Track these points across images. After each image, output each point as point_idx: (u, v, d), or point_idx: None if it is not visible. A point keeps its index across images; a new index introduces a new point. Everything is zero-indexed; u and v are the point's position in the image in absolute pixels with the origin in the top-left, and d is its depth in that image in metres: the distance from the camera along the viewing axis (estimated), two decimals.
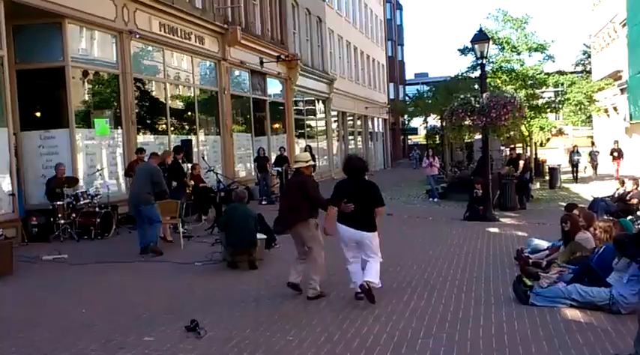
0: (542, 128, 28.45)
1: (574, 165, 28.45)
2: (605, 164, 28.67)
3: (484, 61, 15.96)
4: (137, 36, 15.27)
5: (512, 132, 21.31)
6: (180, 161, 13.79)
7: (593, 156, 29.49)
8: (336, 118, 35.83)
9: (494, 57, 27.50)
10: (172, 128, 17.67)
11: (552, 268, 7.74)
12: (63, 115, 13.46)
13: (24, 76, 13.08)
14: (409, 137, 67.18)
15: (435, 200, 20.57)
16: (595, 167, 29.06)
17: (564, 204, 12.85)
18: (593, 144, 31.04)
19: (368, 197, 7.18)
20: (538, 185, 25.05)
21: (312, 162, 7.94)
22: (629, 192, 14.65)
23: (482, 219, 14.58)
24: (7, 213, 11.60)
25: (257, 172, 20.46)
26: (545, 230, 12.05)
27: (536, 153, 32.96)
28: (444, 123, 28.47)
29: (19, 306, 7.53)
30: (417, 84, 59.71)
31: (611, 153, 26.97)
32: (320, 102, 33.00)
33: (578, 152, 29.01)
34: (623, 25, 27.90)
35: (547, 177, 27.08)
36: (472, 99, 15.06)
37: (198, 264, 9.71)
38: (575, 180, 27.55)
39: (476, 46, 15.68)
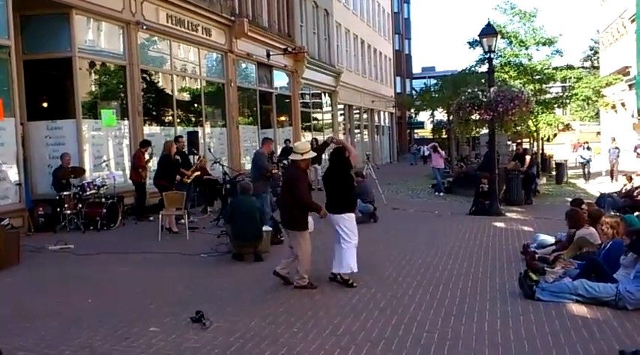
0: (549, 124, 28.29)
1: (584, 163, 25.83)
2: (625, 162, 25.70)
3: (492, 55, 15.90)
4: (144, 27, 15.26)
5: (519, 127, 21.29)
6: (184, 151, 13.82)
7: (612, 154, 25.07)
8: (342, 111, 35.81)
9: (503, 51, 27.38)
10: (179, 120, 17.68)
11: (558, 263, 7.72)
12: (70, 106, 13.50)
13: (31, 66, 13.15)
14: (416, 131, 67.05)
15: (441, 194, 20.52)
16: (613, 165, 24.76)
17: (571, 199, 12.81)
18: (613, 140, 26.36)
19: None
20: (545, 180, 24.95)
21: (308, 155, 7.56)
22: (636, 188, 14.61)
23: (488, 214, 14.55)
24: (14, 203, 11.65)
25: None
26: (552, 225, 12.03)
27: (542, 149, 32.84)
28: (450, 118, 28.43)
29: (25, 296, 7.55)
30: (424, 78, 59.65)
31: (635, 150, 25.10)
32: (326, 95, 32.97)
33: (589, 148, 26.72)
34: (632, 21, 27.77)
35: (554, 173, 26.99)
36: (479, 93, 15.01)
37: (204, 256, 9.73)
38: (585, 178, 25.26)
39: (484, 39, 15.60)
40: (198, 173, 13.94)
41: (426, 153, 43.48)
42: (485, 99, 14.63)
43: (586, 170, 25.71)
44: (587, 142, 28.95)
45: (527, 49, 27.37)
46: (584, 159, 26.14)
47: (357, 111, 39.64)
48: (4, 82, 11.54)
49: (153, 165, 13.78)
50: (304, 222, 7.55)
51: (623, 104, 31.48)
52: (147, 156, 13.74)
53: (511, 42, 27.41)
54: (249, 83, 22.62)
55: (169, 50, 17.21)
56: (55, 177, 12.46)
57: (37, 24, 13.28)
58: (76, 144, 13.40)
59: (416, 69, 70.43)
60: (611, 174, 24.60)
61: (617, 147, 25.07)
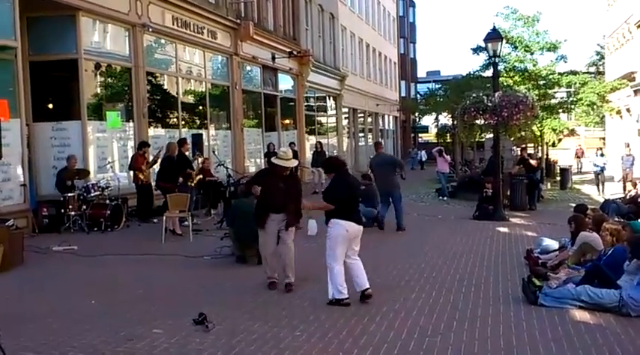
0: (554, 129, 28.20)
1: (598, 172, 22.80)
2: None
3: (497, 60, 15.90)
4: (150, 29, 15.30)
5: (523, 132, 21.26)
6: (186, 153, 13.83)
7: (625, 162, 21.87)
8: (347, 115, 35.80)
9: (507, 56, 27.35)
10: (183, 122, 17.71)
11: (561, 269, 7.71)
12: (75, 107, 13.53)
13: (37, 67, 13.17)
14: (420, 135, 66.94)
15: (445, 199, 20.48)
16: (627, 174, 21.38)
17: (575, 205, 12.77)
18: (628, 146, 23.13)
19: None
20: (549, 185, 24.91)
21: (278, 163, 7.62)
22: None
23: (492, 219, 14.53)
24: (19, 204, 11.66)
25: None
26: (555, 230, 12.00)
27: (547, 154, 32.75)
28: (455, 122, 28.39)
29: (29, 297, 7.57)
30: (429, 82, 59.45)
31: None
32: (331, 98, 32.98)
33: (602, 155, 23.66)
34: (638, 26, 27.67)
35: (558, 178, 26.89)
36: (484, 98, 15.00)
37: (207, 258, 9.74)
38: (599, 188, 22.46)
39: (489, 44, 15.62)
40: (201, 176, 13.96)
41: (424, 158, 43.60)
42: (490, 104, 14.63)
43: (600, 179, 22.76)
44: (600, 148, 26.13)
45: (532, 54, 27.35)
46: (597, 166, 22.98)
47: (362, 115, 39.63)
48: (9, 83, 11.57)
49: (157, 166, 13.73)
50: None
51: (628, 110, 31.34)
52: (151, 158, 13.74)
53: (516, 47, 27.39)
54: (254, 86, 22.65)
55: (175, 53, 17.25)
56: (60, 178, 12.50)
57: (44, 25, 13.31)
58: (80, 146, 13.43)
59: (421, 73, 70.43)
60: (624, 183, 20.97)
61: (630, 154, 22.09)
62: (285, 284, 7.62)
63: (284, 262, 7.70)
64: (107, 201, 12.57)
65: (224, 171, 15.07)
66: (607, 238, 7.50)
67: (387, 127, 47.34)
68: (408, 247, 10.96)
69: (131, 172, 13.85)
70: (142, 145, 13.79)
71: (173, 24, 16.57)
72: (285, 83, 25.79)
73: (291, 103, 26.55)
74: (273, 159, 7.75)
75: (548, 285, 6.98)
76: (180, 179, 12.89)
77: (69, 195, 12.10)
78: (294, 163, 7.85)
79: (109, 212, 12.31)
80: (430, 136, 61.12)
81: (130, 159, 14.12)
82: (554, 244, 9.55)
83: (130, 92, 15.04)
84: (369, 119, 41.87)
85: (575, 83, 28.84)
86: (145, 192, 13.61)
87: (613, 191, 21.43)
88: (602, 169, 22.73)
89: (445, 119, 41.06)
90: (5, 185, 11.49)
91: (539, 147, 31.30)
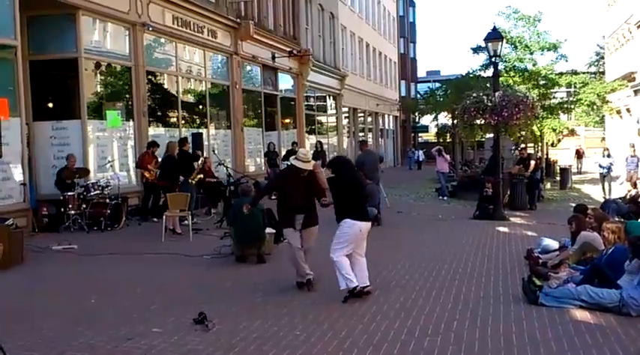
0: (554, 129, 28.17)
1: (604, 174, 21.13)
2: None
3: (497, 60, 15.89)
4: (150, 28, 15.29)
5: (523, 132, 21.21)
6: (189, 152, 13.84)
7: (630, 163, 20.18)
8: (347, 114, 35.82)
9: (507, 56, 27.31)
10: (183, 121, 17.71)
11: (562, 268, 7.69)
12: (75, 106, 13.55)
13: (37, 66, 13.18)
14: (420, 135, 66.93)
15: (445, 198, 20.46)
16: (632, 177, 18.37)
17: (575, 204, 12.75)
18: (632, 146, 21.24)
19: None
20: (549, 185, 24.89)
21: (296, 164, 7.57)
22: None
23: (492, 219, 14.51)
24: (18, 203, 11.67)
25: (267, 167, 20.50)
26: (555, 230, 11.97)
27: (547, 154, 32.73)
28: (455, 122, 28.36)
29: (28, 296, 7.56)
30: (429, 81, 59.45)
31: None
32: (331, 98, 32.98)
33: (609, 155, 21.58)
34: (638, 27, 27.70)
35: (558, 178, 26.87)
36: (484, 97, 14.99)
37: (207, 257, 9.73)
38: (605, 191, 20.76)
39: (489, 44, 15.61)
40: (202, 176, 13.96)
41: (421, 158, 43.64)
42: (490, 104, 14.62)
43: (606, 183, 21.04)
44: (607, 149, 23.77)
45: (531, 53, 27.32)
46: (603, 168, 21.22)
47: (362, 115, 39.65)
48: (9, 82, 11.56)
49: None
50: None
51: (628, 110, 31.36)
52: (159, 158, 13.79)
53: (516, 47, 27.36)
54: (254, 85, 22.65)
55: (175, 52, 17.25)
56: (60, 177, 12.50)
57: (44, 24, 13.31)
58: (80, 145, 13.43)
59: (421, 72, 70.27)
60: (634, 185, 17.83)
61: (635, 155, 20.44)
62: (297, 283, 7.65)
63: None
64: (107, 200, 12.57)
65: (224, 170, 15.06)
66: (609, 237, 7.47)
67: (386, 127, 47.34)
68: (408, 246, 10.96)
69: (138, 171, 13.93)
70: (151, 145, 13.86)
71: (173, 23, 16.58)
72: (285, 82, 25.80)
73: (291, 103, 26.56)
74: (292, 161, 7.70)
75: (548, 285, 6.96)
76: (182, 178, 12.88)
77: (69, 194, 12.11)
78: (312, 165, 7.76)
79: (108, 211, 12.32)
80: (430, 136, 61.15)
81: (137, 158, 14.16)
82: (554, 244, 9.53)
83: (130, 91, 15.04)
84: (369, 119, 41.89)
85: (575, 83, 28.83)
86: (152, 190, 13.63)
87: (618, 193, 19.48)
88: (609, 170, 21.17)
89: (445, 119, 41.08)
90: (5, 184, 11.50)
91: (540, 147, 31.31)
